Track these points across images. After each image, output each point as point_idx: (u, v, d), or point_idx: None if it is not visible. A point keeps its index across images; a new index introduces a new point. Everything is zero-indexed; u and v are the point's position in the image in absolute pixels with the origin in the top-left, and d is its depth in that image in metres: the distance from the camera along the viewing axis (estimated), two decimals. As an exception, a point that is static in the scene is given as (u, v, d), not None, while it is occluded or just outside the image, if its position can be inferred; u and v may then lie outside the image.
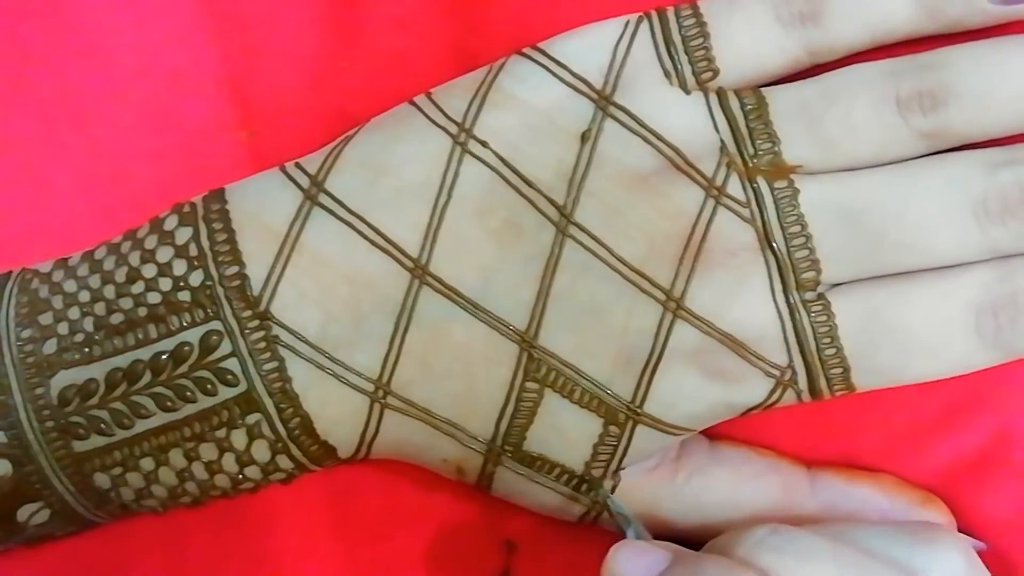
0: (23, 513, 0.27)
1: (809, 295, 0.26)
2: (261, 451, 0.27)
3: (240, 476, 0.27)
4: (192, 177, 0.28)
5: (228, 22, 0.29)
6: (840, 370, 0.26)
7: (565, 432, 0.26)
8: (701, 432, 0.28)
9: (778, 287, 0.26)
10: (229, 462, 0.27)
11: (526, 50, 0.27)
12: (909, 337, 0.26)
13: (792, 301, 0.26)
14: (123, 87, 0.29)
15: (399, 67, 0.29)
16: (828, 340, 0.26)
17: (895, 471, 0.28)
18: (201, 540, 0.29)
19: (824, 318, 0.26)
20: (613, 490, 0.27)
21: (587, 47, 0.26)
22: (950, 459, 0.28)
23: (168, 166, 0.29)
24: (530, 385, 0.26)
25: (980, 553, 0.27)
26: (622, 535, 0.26)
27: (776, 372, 0.26)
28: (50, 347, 0.26)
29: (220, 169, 0.28)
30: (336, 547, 0.29)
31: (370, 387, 0.26)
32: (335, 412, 0.26)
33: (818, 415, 0.28)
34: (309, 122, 0.29)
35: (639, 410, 0.26)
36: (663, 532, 0.27)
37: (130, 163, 0.29)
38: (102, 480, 0.27)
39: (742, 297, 0.26)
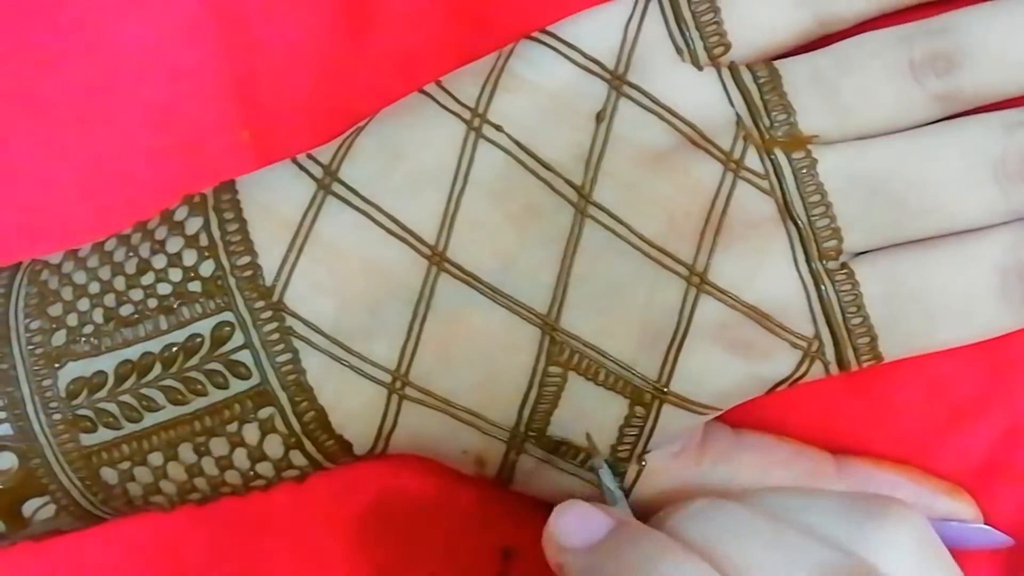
0: (29, 508, 0.26)
1: (832, 264, 0.26)
2: (274, 446, 0.26)
3: (252, 472, 0.26)
4: (195, 176, 0.27)
5: (232, 20, 0.29)
6: (867, 339, 0.26)
7: (590, 415, 0.26)
8: (723, 422, 0.27)
9: (801, 257, 0.26)
10: (240, 458, 0.26)
11: (535, 34, 0.27)
12: (935, 303, 0.25)
13: (816, 271, 0.26)
14: (126, 85, 0.29)
15: (406, 66, 0.29)
16: (854, 309, 0.25)
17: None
18: (198, 542, 0.28)
19: (849, 287, 0.25)
20: (638, 475, 0.26)
21: (598, 28, 0.27)
22: (959, 461, 0.28)
23: (171, 165, 0.29)
24: (553, 369, 0.26)
25: (999, 550, 0.27)
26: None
27: (803, 343, 0.26)
28: (59, 338, 0.26)
29: (223, 168, 0.27)
30: (332, 553, 0.28)
31: (388, 378, 0.26)
32: (351, 405, 0.26)
33: (825, 418, 0.28)
34: (315, 121, 0.28)
35: (665, 389, 0.25)
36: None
37: (132, 162, 0.29)
38: (109, 475, 0.26)
39: (765, 269, 0.26)
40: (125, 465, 0.26)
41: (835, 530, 0.22)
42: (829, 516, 0.22)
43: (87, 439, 0.25)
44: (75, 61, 0.29)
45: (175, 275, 0.26)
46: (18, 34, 0.29)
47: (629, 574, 0.21)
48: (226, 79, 0.29)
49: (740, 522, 0.22)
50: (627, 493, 0.26)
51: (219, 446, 0.26)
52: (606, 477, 0.25)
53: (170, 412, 0.25)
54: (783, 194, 0.26)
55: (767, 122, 0.26)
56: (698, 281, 0.25)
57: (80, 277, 0.26)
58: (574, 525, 0.23)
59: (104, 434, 0.25)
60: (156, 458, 0.26)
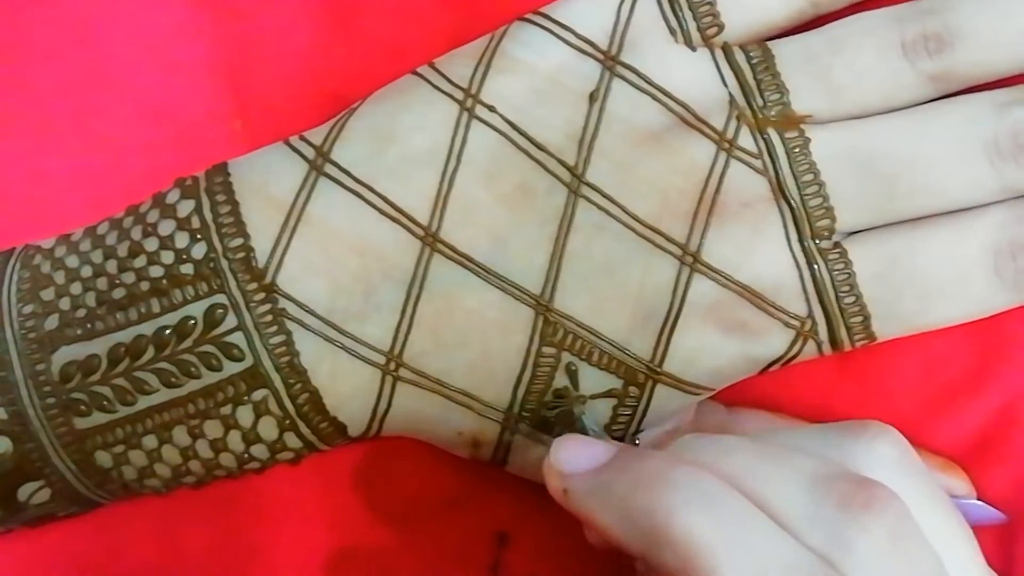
0: (24, 492, 0.26)
1: (825, 244, 0.26)
2: (268, 429, 0.26)
3: (246, 455, 0.26)
4: (188, 167, 0.27)
5: (223, 11, 0.29)
6: (860, 318, 0.26)
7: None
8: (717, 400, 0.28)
9: (794, 236, 0.26)
10: (235, 440, 0.26)
11: (529, 15, 0.27)
12: (928, 282, 0.25)
13: (809, 250, 0.26)
14: (119, 77, 0.29)
15: (396, 55, 0.28)
16: (847, 288, 0.26)
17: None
18: (194, 530, 0.28)
19: (842, 266, 0.26)
20: (633, 456, 0.26)
21: (591, 9, 0.26)
22: (953, 438, 0.28)
23: (164, 156, 0.28)
24: (547, 350, 0.26)
25: (992, 526, 0.27)
26: None
27: (796, 323, 0.26)
28: (52, 322, 0.26)
29: (216, 159, 0.27)
30: (328, 538, 0.28)
31: (381, 359, 0.26)
32: (345, 387, 0.26)
33: (819, 398, 0.28)
34: (306, 110, 0.28)
35: (659, 369, 0.26)
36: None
37: (126, 154, 0.29)
38: (104, 458, 0.26)
39: (758, 248, 0.26)
40: (119, 448, 0.26)
41: (818, 448, 0.22)
42: (811, 439, 0.23)
43: (81, 423, 0.25)
44: (69, 54, 0.29)
45: (167, 258, 0.26)
46: (13, 27, 0.29)
47: (640, 486, 0.21)
48: (218, 70, 0.29)
49: (731, 444, 0.22)
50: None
51: (213, 428, 0.26)
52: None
53: (164, 395, 0.25)
54: (776, 173, 0.26)
55: (760, 102, 0.26)
56: (691, 261, 0.25)
57: (72, 261, 0.26)
58: (576, 452, 0.23)
59: (98, 417, 0.25)
60: (150, 441, 0.26)
